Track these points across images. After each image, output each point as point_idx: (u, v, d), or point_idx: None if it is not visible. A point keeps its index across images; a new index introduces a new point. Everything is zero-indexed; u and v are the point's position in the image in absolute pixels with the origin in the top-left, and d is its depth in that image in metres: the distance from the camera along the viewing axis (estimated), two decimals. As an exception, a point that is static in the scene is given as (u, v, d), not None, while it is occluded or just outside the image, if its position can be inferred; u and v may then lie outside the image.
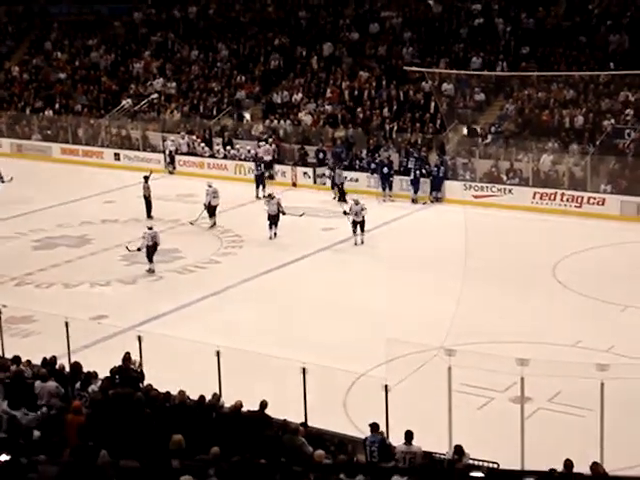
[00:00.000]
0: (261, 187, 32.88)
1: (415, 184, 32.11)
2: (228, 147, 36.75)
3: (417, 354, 17.11)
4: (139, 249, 25.34)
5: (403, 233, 28.88)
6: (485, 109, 35.51)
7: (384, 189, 32.41)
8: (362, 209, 27.16)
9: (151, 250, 25.22)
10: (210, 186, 29.52)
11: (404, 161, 33.30)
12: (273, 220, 27.62)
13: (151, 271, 25.17)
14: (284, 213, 27.69)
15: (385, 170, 32.49)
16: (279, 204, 27.58)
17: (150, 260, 25.23)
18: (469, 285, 21.27)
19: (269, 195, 28.56)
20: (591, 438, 13.86)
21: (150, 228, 25.81)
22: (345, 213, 27.43)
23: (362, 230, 27.27)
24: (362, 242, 27.18)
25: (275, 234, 27.67)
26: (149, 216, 30.04)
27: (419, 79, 36.44)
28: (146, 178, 30.38)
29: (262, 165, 33.71)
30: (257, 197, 32.55)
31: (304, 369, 14.82)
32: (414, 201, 32.03)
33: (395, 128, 35.00)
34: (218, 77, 41.48)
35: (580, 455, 12.18)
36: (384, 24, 40.61)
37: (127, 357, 15.83)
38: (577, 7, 37.66)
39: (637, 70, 31.91)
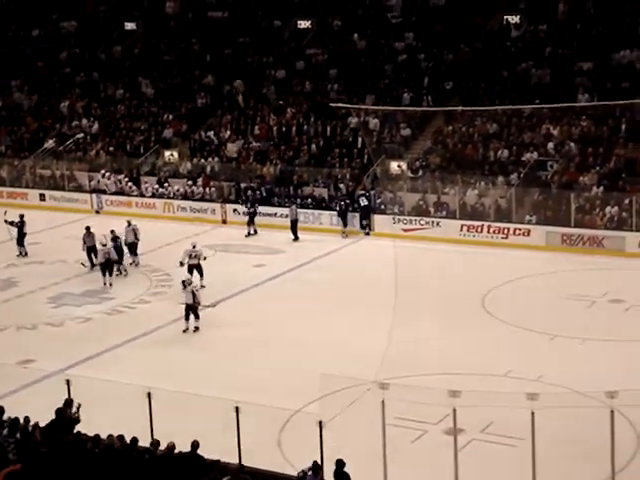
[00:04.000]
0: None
1: (344, 218, 32.32)
2: (166, 184, 36.46)
3: (350, 388, 17.10)
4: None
5: (334, 267, 28.95)
6: (411, 144, 35.98)
7: (345, 225, 32.28)
8: (198, 254, 26.52)
9: (106, 265, 26.97)
10: (129, 223, 29.25)
11: (333, 196, 33.55)
12: (188, 310, 23.37)
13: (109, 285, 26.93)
14: (198, 304, 23.33)
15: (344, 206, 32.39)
16: (194, 293, 23.35)
17: (103, 274, 27.12)
18: (400, 318, 21.40)
19: (183, 282, 23.94)
20: (524, 467, 13.98)
21: (103, 245, 27.21)
22: (182, 264, 26.48)
23: (201, 274, 26.22)
24: (202, 286, 25.51)
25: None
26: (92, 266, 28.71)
27: (346, 115, 36.80)
28: (88, 227, 29.38)
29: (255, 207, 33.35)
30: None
31: (237, 408, 14.68)
32: (344, 235, 32.18)
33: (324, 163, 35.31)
34: (144, 116, 41.31)
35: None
36: (310, 61, 41.02)
37: (68, 402, 15.43)
38: (498, 43, 38.54)
39: (558, 103, 32.82)
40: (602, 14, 37.43)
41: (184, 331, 23.18)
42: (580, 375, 18.90)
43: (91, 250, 28.69)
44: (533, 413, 13.60)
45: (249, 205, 33.21)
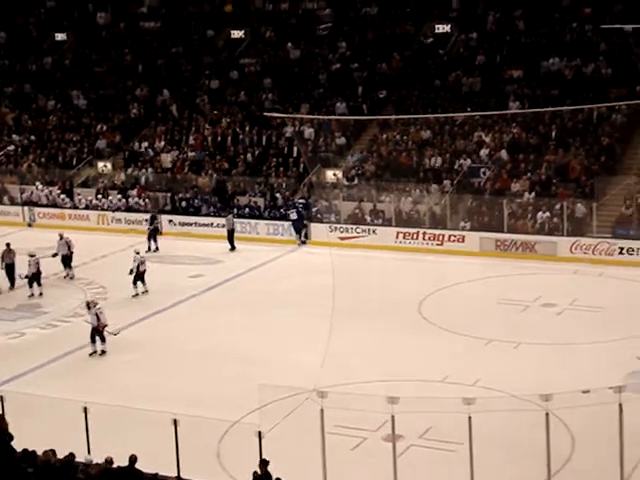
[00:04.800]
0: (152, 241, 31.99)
1: (298, 226, 32.22)
2: (99, 196, 35.99)
3: (289, 398, 17.09)
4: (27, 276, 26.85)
5: (271, 277, 28.93)
6: (346, 153, 36.16)
7: (299, 232, 32.18)
8: (142, 261, 26.60)
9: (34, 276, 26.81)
10: (61, 237, 28.86)
11: (269, 205, 33.58)
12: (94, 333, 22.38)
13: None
14: (103, 326, 22.32)
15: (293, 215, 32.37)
16: (98, 315, 22.33)
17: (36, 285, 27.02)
18: (338, 326, 21.44)
19: (88, 303, 23.09)
20: (462, 472, 14.12)
21: (32, 255, 26.80)
22: (131, 272, 26.49)
23: (143, 282, 26.59)
24: (145, 291, 26.53)
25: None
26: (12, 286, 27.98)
27: (281, 124, 36.85)
28: (8, 244, 28.60)
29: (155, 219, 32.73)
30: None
31: (175, 420, 14.58)
32: (300, 243, 32.11)
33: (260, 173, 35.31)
34: (77, 127, 40.82)
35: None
36: (244, 71, 41.00)
37: (2, 417, 15.15)
38: (430, 52, 38.98)
39: (489, 111, 33.32)
40: (531, 23, 38.13)
41: (90, 355, 22.12)
42: (515, 379, 19.16)
43: (10, 268, 27.62)
44: (470, 417, 13.75)
45: (149, 221, 32.37)
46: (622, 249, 28.39)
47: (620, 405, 13.69)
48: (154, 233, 32.12)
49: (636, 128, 32.66)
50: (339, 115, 36.54)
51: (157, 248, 31.67)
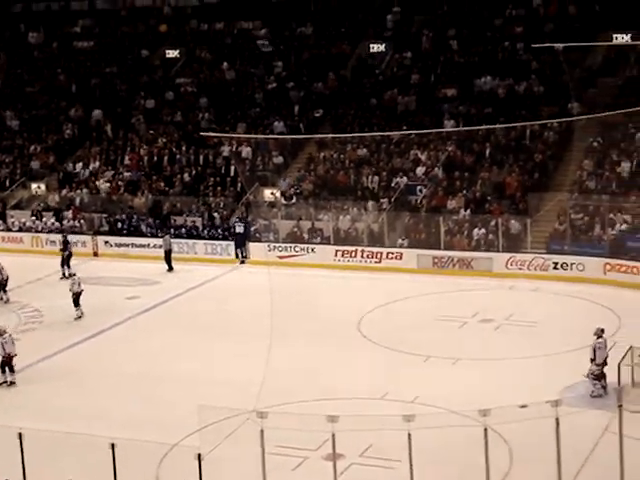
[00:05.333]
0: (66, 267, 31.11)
1: (239, 244, 32.20)
2: (33, 218, 35.46)
3: (229, 419, 16.95)
4: None
5: (209, 297, 28.74)
6: (284, 172, 36.20)
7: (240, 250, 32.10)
8: (78, 283, 26.27)
9: None
10: None
11: (207, 225, 33.44)
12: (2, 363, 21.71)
13: None
14: (9, 356, 21.34)
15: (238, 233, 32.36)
16: (3, 346, 21.27)
17: None
18: (277, 345, 21.34)
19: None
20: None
21: None
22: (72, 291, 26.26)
23: (77, 304, 26.16)
24: (80, 316, 26.13)
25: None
26: None
27: (218, 144, 36.77)
28: None
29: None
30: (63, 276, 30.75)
31: (113, 445, 14.34)
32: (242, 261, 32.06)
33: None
34: (10, 148, 40.18)
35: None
36: (179, 90, 40.83)
37: None
38: (366, 71, 39.28)
39: (424, 129, 33.68)
40: (464, 42, 38.66)
41: (0, 384, 21.31)
42: (454, 395, 19.27)
43: None
44: (410, 435, 13.78)
45: (62, 246, 31.51)
46: (556, 264, 28.84)
47: (557, 419, 13.85)
48: (68, 259, 31.17)
49: (567, 145, 33.29)
50: (277, 134, 36.60)
51: (70, 275, 29.13)
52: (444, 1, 40.48)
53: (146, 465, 16.62)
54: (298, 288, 28.53)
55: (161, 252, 32.13)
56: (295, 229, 32.92)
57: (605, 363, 19.01)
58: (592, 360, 18.99)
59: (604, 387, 18.97)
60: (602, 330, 19.37)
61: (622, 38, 33.72)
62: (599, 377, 18.99)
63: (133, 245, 33.59)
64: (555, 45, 31.05)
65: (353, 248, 31.53)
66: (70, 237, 32.37)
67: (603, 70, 35.57)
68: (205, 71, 41.62)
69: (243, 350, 22.86)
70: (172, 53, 42.65)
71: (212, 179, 35.66)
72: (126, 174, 37.10)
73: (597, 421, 17.36)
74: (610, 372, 18.49)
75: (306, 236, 32.68)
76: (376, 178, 33.99)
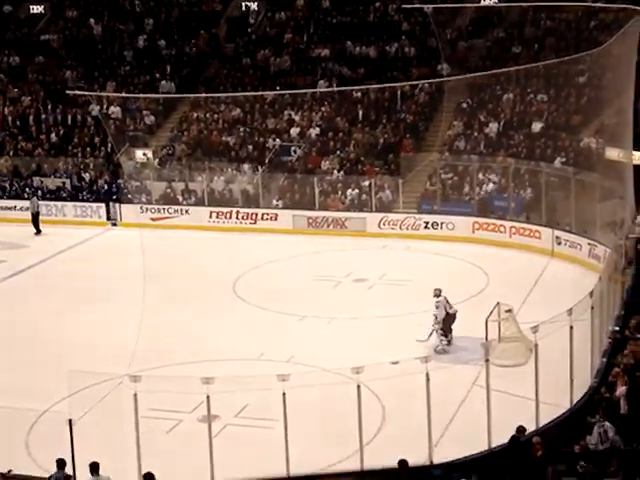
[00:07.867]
0: None
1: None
2: None
3: (101, 384, 16.66)
4: None
5: (80, 261, 28.09)
6: (156, 131, 35.54)
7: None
8: None
9: None
10: None
11: (77, 186, 32.61)
12: None
13: None
14: None
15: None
16: None
17: None
18: (150, 308, 21.12)
19: None
20: (278, 448, 14.23)
21: None
22: None
23: None
24: None
25: None
26: None
27: (87, 103, 35.75)
28: None
29: None
30: None
31: (-20, 413, 13.93)
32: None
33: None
34: None
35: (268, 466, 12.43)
36: (45, 47, 39.43)
37: None
38: (238, 30, 38.81)
39: (298, 90, 33.61)
40: (336, 3, 38.56)
41: None
42: (329, 353, 19.47)
43: None
44: (284, 394, 13.86)
45: None
46: (427, 223, 29.40)
47: (427, 374, 14.16)
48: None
49: (437, 106, 33.81)
50: (147, 93, 35.84)
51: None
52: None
53: (15, 432, 16.22)
54: (172, 250, 28.22)
55: (28, 215, 31.13)
56: (168, 190, 32.44)
57: (453, 319, 19.86)
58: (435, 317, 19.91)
59: (449, 341, 19.85)
60: (440, 290, 20.17)
61: (490, 1, 34.25)
62: (445, 333, 19.81)
63: (-2, 207, 32.46)
64: (425, 6, 31.39)
65: (228, 209, 31.34)
66: None
67: (472, 32, 36.15)
68: (72, 27, 40.31)
69: (115, 314, 22.48)
70: (37, 9, 41.11)
71: (81, 139, 34.69)
72: (-10, 134, 35.76)
73: (465, 375, 17.85)
74: (477, 327, 19.02)
75: (180, 198, 32.26)
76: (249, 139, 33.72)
